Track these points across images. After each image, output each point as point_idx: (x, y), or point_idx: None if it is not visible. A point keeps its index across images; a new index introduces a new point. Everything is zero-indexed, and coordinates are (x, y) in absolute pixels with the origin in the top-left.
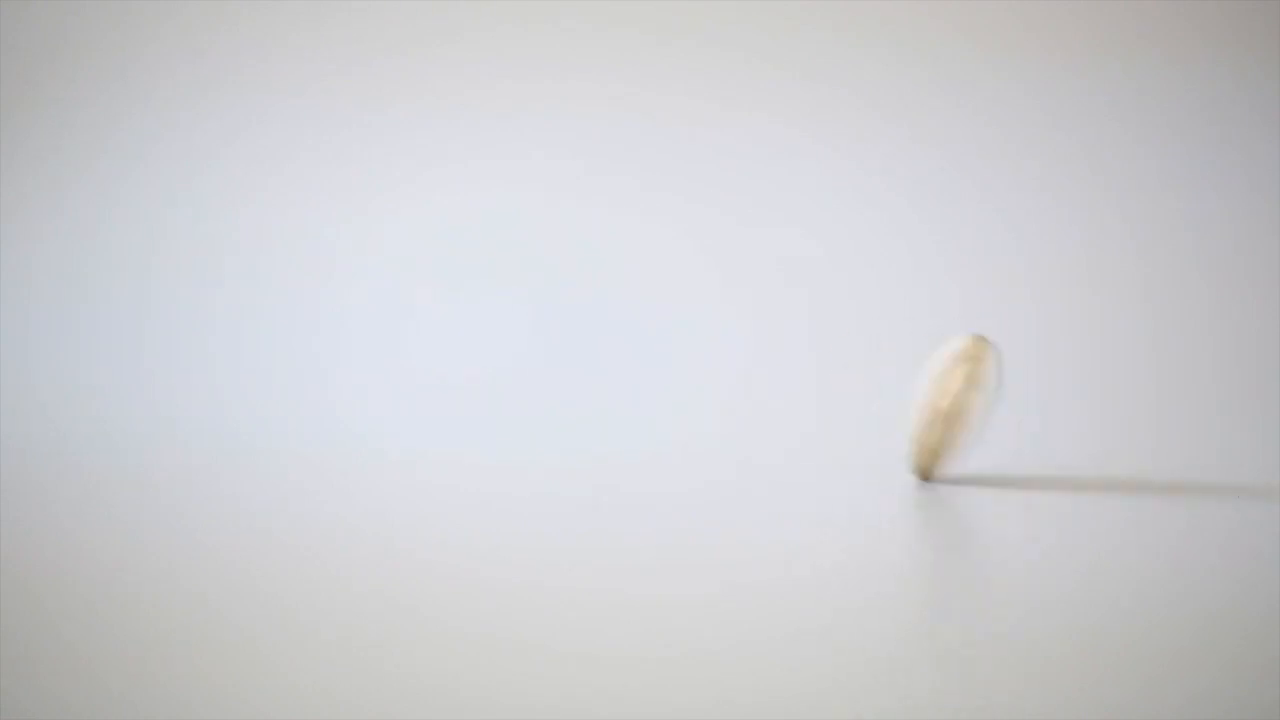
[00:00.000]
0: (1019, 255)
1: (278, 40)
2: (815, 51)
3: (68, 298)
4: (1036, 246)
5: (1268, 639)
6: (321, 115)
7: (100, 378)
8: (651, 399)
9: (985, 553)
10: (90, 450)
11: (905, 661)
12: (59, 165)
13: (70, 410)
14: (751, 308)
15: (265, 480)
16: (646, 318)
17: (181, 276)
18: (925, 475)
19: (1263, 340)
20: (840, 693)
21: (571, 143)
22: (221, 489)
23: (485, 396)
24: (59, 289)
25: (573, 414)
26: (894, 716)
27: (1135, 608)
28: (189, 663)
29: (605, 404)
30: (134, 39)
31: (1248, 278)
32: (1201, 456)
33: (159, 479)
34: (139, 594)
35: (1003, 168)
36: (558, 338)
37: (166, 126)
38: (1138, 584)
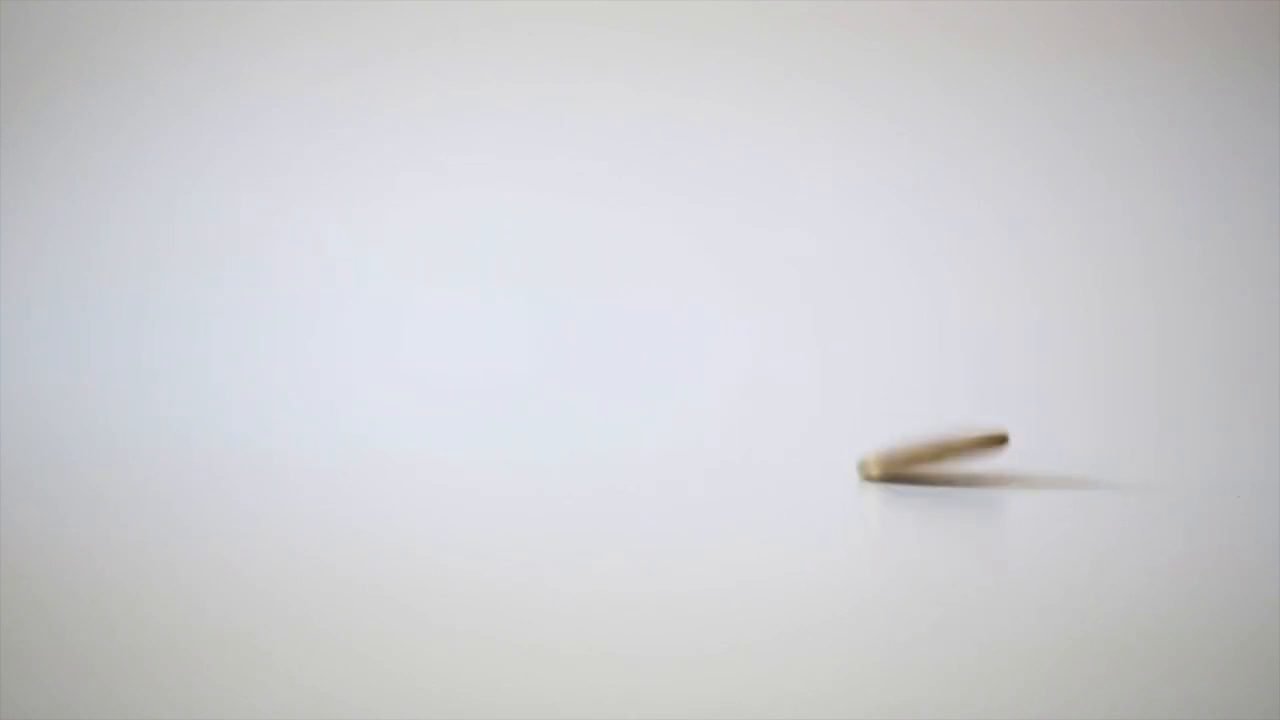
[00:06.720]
0: (1019, 255)
1: (278, 40)
2: (815, 51)
3: (68, 298)
4: (1036, 246)
5: (1268, 639)
6: (321, 115)
7: (100, 378)
8: (652, 399)
9: (985, 553)
10: (90, 450)
11: (905, 662)
12: (59, 165)
13: (70, 410)
14: (753, 307)
15: (265, 480)
16: (647, 317)
17: (181, 276)
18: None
19: (1263, 340)
20: (840, 693)
21: (572, 143)
22: (221, 489)
23: (485, 396)
24: (59, 289)
25: (573, 414)
26: (893, 717)
27: (1135, 608)
28: (189, 663)
29: (606, 404)
30: (134, 39)
31: (1248, 278)
32: (1202, 456)
33: (159, 479)
34: (139, 594)
35: (1003, 167)
36: (558, 337)
37: (166, 126)
38: (1137, 584)
